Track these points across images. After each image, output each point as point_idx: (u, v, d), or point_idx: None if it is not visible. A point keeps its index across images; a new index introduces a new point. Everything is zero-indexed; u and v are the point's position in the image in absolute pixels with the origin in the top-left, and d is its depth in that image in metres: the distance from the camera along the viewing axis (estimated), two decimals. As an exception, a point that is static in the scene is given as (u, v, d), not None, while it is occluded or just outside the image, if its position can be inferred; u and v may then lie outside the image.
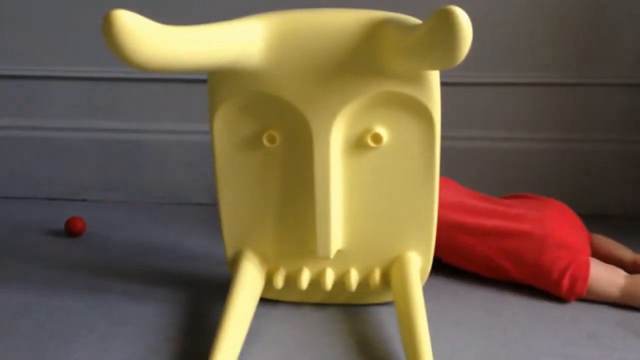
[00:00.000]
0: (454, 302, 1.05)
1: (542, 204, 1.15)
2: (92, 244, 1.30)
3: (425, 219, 0.96)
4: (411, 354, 0.82)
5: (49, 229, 1.36)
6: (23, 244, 1.29)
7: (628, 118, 1.41)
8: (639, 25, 1.35)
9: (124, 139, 1.50)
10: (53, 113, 1.51)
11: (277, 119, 0.91)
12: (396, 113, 0.89)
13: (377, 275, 0.99)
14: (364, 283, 1.00)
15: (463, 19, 0.64)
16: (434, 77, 0.87)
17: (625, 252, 1.15)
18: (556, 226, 1.08)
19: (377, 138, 0.90)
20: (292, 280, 1.00)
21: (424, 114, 0.89)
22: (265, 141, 0.92)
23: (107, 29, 0.64)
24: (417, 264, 0.97)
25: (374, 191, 0.94)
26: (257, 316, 0.96)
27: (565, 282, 1.02)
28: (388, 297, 1.02)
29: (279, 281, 0.99)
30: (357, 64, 0.86)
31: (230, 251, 1.01)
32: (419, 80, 0.86)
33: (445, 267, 1.14)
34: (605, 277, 1.02)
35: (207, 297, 1.06)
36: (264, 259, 1.00)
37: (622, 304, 1.02)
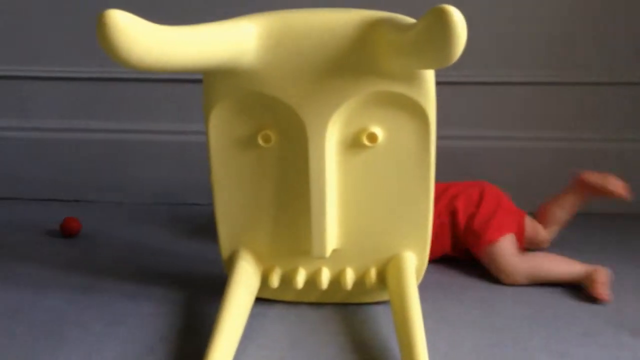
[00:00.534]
0: (450, 300, 1.05)
1: (478, 183, 1.23)
2: (88, 244, 1.30)
3: (420, 218, 0.96)
4: (407, 353, 0.82)
5: (44, 229, 1.36)
6: (18, 245, 1.29)
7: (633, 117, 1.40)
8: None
9: (118, 140, 1.50)
10: (47, 113, 1.51)
11: (272, 118, 0.92)
12: (391, 112, 0.90)
13: (372, 274, 0.99)
14: (359, 282, 1.00)
15: (457, 17, 0.64)
16: (429, 77, 0.88)
17: (567, 191, 1.23)
18: (493, 193, 1.19)
19: (372, 137, 0.91)
20: (287, 279, 1.00)
21: (419, 113, 0.89)
22: (260, 141, 0.92)
23: (100, 28, 0.64)
24: (413, 263, 0.98)
25: (369, 190, 0.94)
26: (252, 315, 0.96)
27: (485, 227, 1.12)
28: (384, 296, 1.02)
29: (275, 281, 0.99)
30: (351, 63, 0.86)
31: (225, 251, 1.01)
32: (414, 79, 0.87)
33: (440, 265, 1.15)
34: (511, 251, 1.11)
35: (202, 296, 1.06)
36: (259, 258, 1.00)
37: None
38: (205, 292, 1.07)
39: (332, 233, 0.95)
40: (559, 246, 1.23)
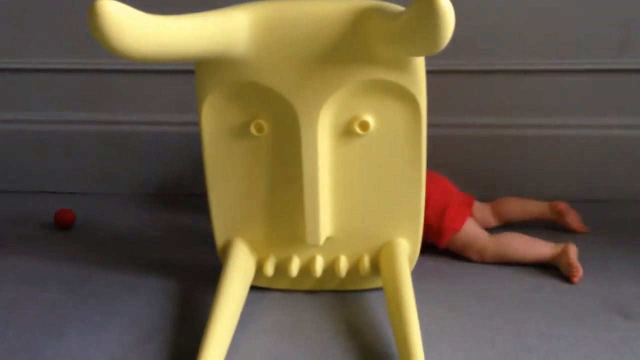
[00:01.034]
0: (443, 285, 1.06)
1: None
2: (82, 235, 1.30)
3: (413, 205, 0.97)
4: (401, 338, 0.83)
5: (39, 221, 1.36)
6: (13, 237, 1.29)
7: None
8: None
9: (112, 131, 1.50)
10: (39, 106, 1.50)
11: (264, 108, 0.92)
12: (382, 100, 0.90)
13: (366, 261, 1.00)
14: (353, 269, 1.01)
15: (445, 4, 0.65)
16: (420, 64, 0.88)
17: (537, 205, 1.27)
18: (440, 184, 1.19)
19: (364, 125, 0.91)
20: (282, 268, 1.01)
21: (409, 100, 0.90)
22: (253, 130, 0.93)
23: (92, 18, 0.64)
24: (406, 250, 0.99)
25: (361, 178, 0.95)
26: (248, 303, 0.97)
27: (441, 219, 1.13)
28: (378, 283, 1.03)
29: (270, 269, 0.99)
30: (343, 52, 0.86)
31: (220, 240, 1.02)
32: (404, 67, 0.87)
33: (433, 251, 1.16)
34: (477, 232, 1.14)
35: (197, 286, 1.07)
36: (254, 247, 1.01)
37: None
38: (200, 281, 1.08)
39: (326, 221, 0.96)
40: (548, 231, 1.24)
